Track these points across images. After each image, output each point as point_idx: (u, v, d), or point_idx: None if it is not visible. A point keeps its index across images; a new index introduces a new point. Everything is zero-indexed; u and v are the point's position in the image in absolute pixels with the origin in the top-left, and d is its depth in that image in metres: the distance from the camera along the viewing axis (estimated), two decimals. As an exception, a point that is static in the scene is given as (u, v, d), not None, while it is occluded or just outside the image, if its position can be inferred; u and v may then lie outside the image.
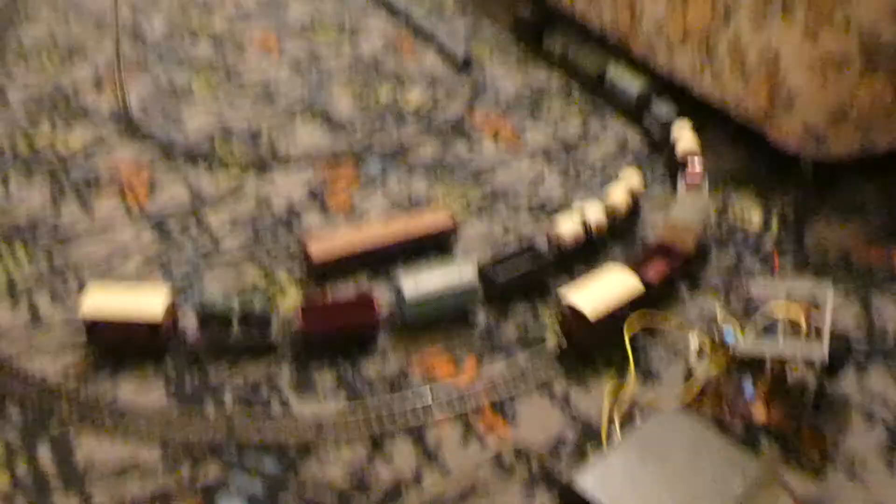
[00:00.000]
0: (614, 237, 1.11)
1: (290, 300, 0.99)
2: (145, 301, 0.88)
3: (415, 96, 1.53)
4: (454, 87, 1.57)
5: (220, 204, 1.18)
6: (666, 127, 1.29)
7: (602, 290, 0.90)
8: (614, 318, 0.90)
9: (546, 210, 1.18)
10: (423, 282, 0.93)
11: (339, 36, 1.80)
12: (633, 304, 0.91)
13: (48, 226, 1.11)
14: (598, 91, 1.51)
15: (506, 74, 1.63)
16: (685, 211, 1.05)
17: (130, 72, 1.59)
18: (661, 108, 1.34)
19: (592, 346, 0.91)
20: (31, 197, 1.18)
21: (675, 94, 1.40)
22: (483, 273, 0.98)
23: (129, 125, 1.38)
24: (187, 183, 1.23)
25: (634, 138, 1.39)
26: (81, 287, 1.00)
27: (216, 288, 1.01)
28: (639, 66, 1.51)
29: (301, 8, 1.96)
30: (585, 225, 1.04)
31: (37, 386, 0.84)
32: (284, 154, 1.32)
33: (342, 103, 1.49)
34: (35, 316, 0.95)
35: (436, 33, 1.76)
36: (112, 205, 1.17)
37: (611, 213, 1.08)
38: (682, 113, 1.34)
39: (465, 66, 1.64)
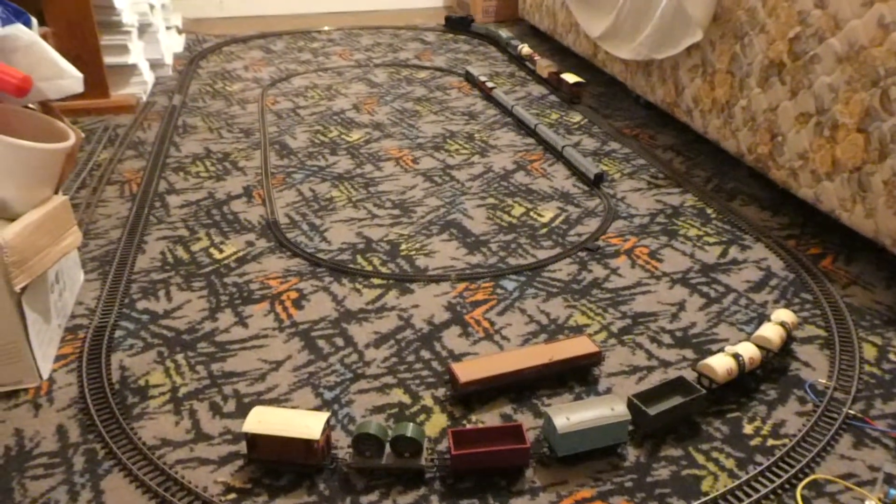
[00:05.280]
0: (767, 372, 1.07)
1: (435, 422, 1.00)
2: (305, 421, 0.90)
3: (547, 213, 1.55)
4: (586, 204, 1.59)
5: (363, 318, 1.22)
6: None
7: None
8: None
9: (690, 340, 1.16)
10: (574, 414, 0.92)
11: (472, 151, 1.87)
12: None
13: (207, 336, 1.17)
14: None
15: (638, 193, 1.64)
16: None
17: (277, 183, 1.69)
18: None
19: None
20: (190, 305, 1.25)
21: (822, 221, 1.37)
22: (633, 406, 0.96)
23: (276, 236, 1.46)
24: (332, 295, 1.28)
25: (777, 263, 1.36)
26: (238, 399, 1.04)
27: (363, 407, 1.03)
28: (778, 189, 1.50)
29: (433, 125, 2.05)
30: (738, 359, 1.01)
31: (199, 497, 0.87)
32: (423, 268, 1.35)
33: (476, 218, 1.53)
34: (196, 427, 0.99)
35: (566, 149, 1.80)
36: (263, 315, 1.22)
37: (764, 351, 1.04)
38: (826, 243, 1.30)
39: (596, 182, 1.66)
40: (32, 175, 1.03)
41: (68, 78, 1.09)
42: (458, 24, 3.09)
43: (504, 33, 2.82)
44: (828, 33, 1.32)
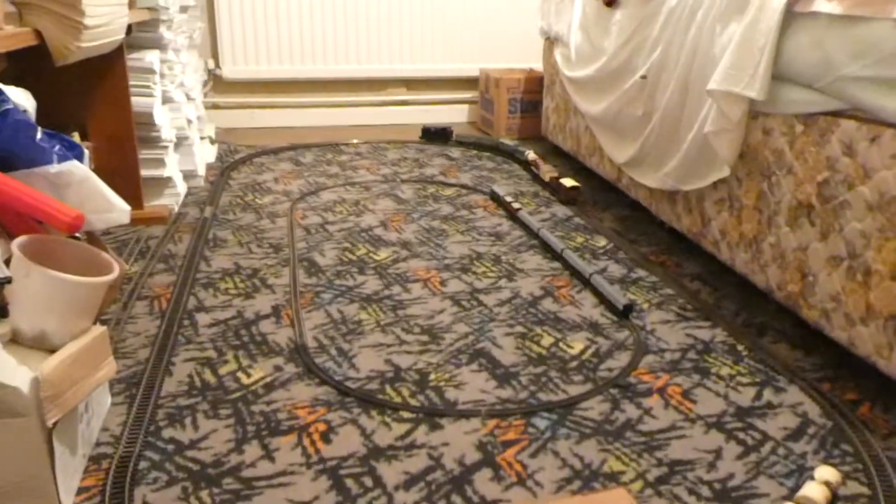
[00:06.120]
0: (812, 535, 1.03)
1: (468, 580, 0.96)
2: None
3: (577, 345, 1.54)
4: (616, 336, 1.58)
5: (392, 456, 1.19)
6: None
7: None
8: None
9: (730, 494, 1.12)
10: (615, 581, 0.89)
11: (499, 274, 1.88)
12: None
13: (233, 471, 1.15)
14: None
15: (667, 326, 1.63)
16: None
17: (305, 303, 1.70)
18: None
19: None
20: (216, 435, 1.23)
21: (857, 363, 1.35)
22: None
23: (304, 362, 1.45)
24: (360, 428, 1.26)
25: (814, 409, 1.33)
26: (264, 544, 1.00)
27: (394, 558, 0.99)
28: (812, 331, 1.49)
29: (460, 245, 2.07)
30: (784, 523, 0.98)
31: None
32: (452, 401, 1.34)
33: (505, 347, 1.53)
34: (221, 576, 0.95)
35: (593, 277, 1.80)
36: (291, 449, 1.20)
37: (810, 511, 1.01)
38: (863, 388, 1.28)
39: (625, 313, 1.65)
40: (74, 308, 1.04)
41: (117, 211, 1.12)
42: (436, 137, 3.07)
43: (508, 142, 2.98)
44: (857, 181, 1.34)
